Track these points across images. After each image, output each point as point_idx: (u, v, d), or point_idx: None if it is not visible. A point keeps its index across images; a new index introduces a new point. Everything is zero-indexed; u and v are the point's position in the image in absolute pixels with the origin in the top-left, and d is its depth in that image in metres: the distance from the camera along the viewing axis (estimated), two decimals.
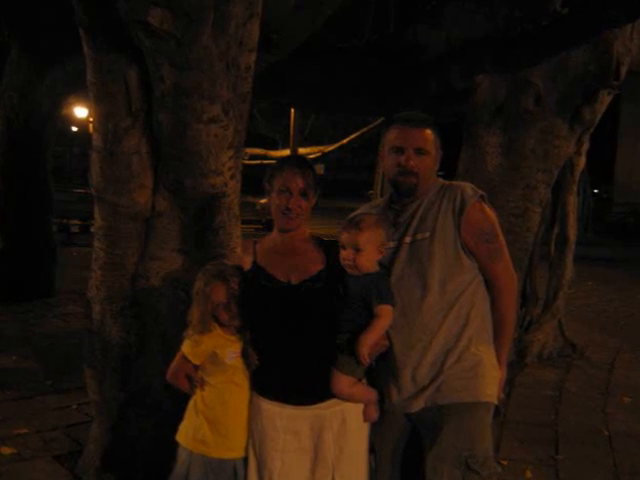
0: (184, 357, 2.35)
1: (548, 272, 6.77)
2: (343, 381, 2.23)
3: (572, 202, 6.52)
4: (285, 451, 2.24)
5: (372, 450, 2.40)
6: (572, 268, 6.74)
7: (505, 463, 3.86)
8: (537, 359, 6.35)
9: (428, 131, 2.36)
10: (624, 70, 5.12)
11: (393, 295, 2.24)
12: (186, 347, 2.34)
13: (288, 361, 2.25)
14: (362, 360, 2.16)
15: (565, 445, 4.26)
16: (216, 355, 2.32)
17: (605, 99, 5.46)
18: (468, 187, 2.34)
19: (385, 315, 2.19)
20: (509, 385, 5.23)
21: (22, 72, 7.54)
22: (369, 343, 2.16)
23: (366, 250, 2.20)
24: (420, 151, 2.32)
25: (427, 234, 2.29)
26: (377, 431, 2.38)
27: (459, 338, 2.26)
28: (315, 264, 2.31)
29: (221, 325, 2.34)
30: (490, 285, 2.33)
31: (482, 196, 2.33)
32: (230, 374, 2.33)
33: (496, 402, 2.30)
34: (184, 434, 2.39)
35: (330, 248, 2.35)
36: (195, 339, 2.32)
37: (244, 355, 2.33)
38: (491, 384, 2.28)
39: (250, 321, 2.32)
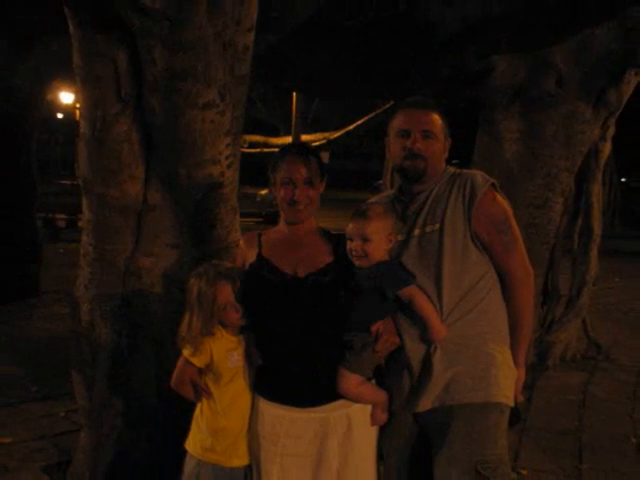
0: (186, 361, 2.36)
1: (571, 267, 6.77)
2: (350, 380, 2.25)
3: (597, 192, 6.51)
4: (284, 455, 2.26)
5: (381, 456, 2.42)
6: (597, 263, 6.73)
7: (525, 473, 3.89)
8: (560, 361, 6.37)
9: (435, 115, 2.40)
10: None
11: (414, 275, 2.27)
12: (187, 350, 2.35)
13: (292, 359, 2.27)
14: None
15: (590, 454, 4.27)
16: (219, 359, 2.34)
17: (632, 80, 5.44)
18: (479, 175, 2.36)
19: (415, 293, 2.23)
20: (530, 389, 5.24)
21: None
22: (435, 323, 2.21)
23: (374, 240, 2.23)
24: (427, 134, 2.36)
25: (436, 226, 2.31)
26: (385, 435, 2.40)
27: (472, 336, 2.28)
28: (323, 256, 2.35)
29: (224, 326, 2.36)
30: (504, 280, 2.35)
31: (494, 184, 2.35)
32: (234, 378, 2.36)
33: (511, 404, 2.31)
34: (192, 442, 2.41)
35: (339, 241, 2.39)
36: (196, 342, 2.33)
37: (247, 355, 2.36)
38: (505, 384, 2.29)
39: (253, 317, 2.34)
